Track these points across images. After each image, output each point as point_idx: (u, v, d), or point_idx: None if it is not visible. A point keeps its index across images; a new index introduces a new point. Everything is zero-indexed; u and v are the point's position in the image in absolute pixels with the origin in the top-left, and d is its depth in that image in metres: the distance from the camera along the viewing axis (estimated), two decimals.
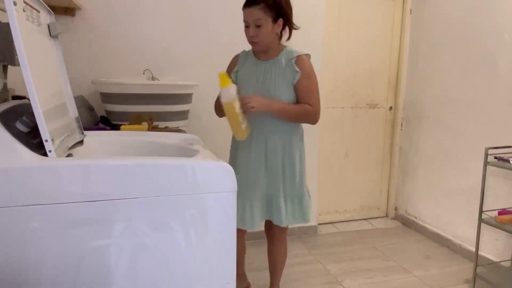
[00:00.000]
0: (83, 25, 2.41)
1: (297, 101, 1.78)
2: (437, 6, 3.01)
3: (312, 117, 1.79)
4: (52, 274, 0.96)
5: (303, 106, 1.75)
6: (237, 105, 1.57)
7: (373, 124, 3.41)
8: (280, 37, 1.79)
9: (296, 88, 1.75)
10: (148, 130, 1.93)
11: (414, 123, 3.28)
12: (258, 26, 1.65)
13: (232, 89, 1.57)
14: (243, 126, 1.63)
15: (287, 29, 1.77)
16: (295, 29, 1.79)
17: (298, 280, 2.42)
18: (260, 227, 1.91)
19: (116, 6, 2.47)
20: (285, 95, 1.74)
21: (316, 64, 2.93)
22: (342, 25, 3.17)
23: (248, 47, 1.83)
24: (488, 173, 2.33)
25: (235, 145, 1.91)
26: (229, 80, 1.58)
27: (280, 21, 1.70)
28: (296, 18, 1.78)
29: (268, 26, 1.66)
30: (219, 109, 1.72)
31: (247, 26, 1.69)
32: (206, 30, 2.65)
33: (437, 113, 3.03)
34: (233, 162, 1.89)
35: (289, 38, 1.79)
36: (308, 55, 1.79)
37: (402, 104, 3.38)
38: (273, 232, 2.01)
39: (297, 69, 1.72)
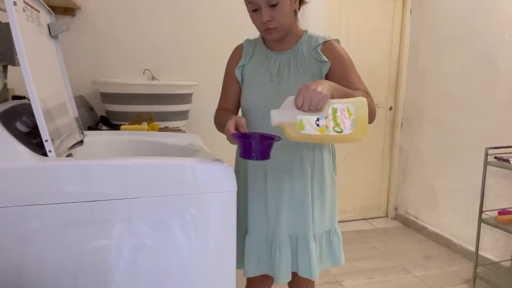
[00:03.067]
0: (83, 25, 2.41)
1: None
2: (437, 6, 3.01)
3: (373, 106, 1.31)
4: (52, 274, 0.96)
5: (361, 92, 1.27)
6: (302, 120, 1.05)
7: (373, 124, 3.36)
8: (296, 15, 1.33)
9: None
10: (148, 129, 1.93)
11: (414, 123, 3.28)
12: (273, 6, 1.20)
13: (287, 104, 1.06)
14: (336, 129, 1.10)
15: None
16: (305, 1, 1.33)
17: None
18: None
19: (116, 6, 2.47)
20: None
21: None
22: (342, 25, 3.17)
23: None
24: (488, 173, 2.33)
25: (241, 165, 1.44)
26: None
27: None
28: None
29: (286, 1, 1.22)
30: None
31: (255, 10, 1.23)
32: (206, 30, 2.65)
33: (437, 113, 3.03)
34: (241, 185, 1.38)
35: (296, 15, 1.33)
36: (337, 41, 1.34)
37: (402, 104, 3.38)
38: None
39: (325, 59, 1.28)
